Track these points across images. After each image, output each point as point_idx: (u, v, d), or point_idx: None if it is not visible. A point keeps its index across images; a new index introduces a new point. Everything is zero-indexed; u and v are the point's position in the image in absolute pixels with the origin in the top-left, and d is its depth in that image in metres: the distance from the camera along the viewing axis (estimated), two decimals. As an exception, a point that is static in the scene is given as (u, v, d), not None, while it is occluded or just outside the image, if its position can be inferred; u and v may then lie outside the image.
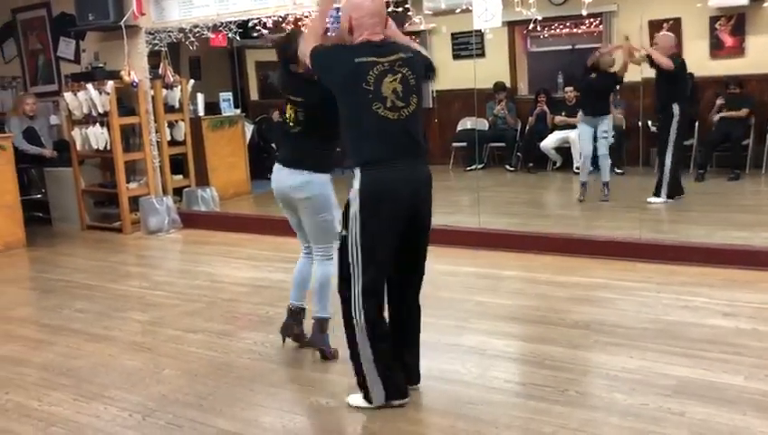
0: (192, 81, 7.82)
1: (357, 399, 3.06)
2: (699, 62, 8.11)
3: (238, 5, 6.54)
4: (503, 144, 9.35)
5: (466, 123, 9.43)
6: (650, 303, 4.20)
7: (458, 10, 6.19)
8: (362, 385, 3.01)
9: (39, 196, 7.78)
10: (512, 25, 9.16)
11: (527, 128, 9.28)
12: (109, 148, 6.95)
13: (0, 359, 3.91)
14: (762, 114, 7.91)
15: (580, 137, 7.26)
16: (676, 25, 8.23)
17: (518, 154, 9.27)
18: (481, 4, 5.43)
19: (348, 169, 2.96)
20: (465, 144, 9.14)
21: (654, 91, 6.73)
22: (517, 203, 7.71)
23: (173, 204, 7.23)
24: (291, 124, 3.42)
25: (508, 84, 9.53)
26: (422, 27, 7.39)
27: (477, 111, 8.00)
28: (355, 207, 2.85)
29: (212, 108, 8.52)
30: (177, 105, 7.54)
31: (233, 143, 8.48)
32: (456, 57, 9.75)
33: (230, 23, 7.05)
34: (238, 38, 7.80)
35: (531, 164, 9.04)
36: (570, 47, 9.48)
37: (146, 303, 4.83)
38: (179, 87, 7.53)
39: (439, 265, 5.08)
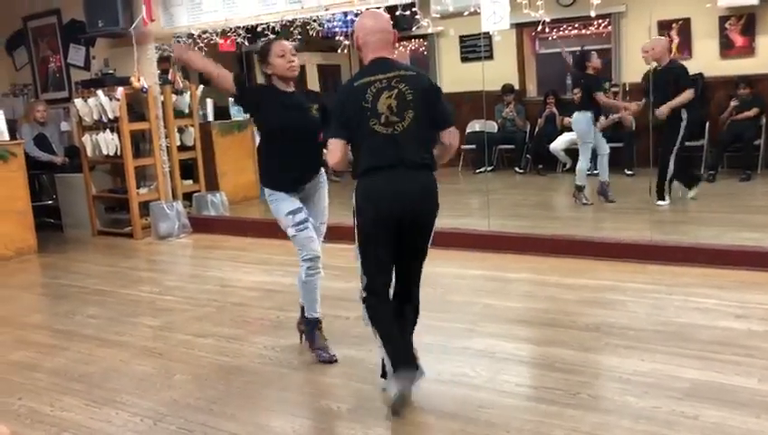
0: (201, 86, 7.84)
1: (383, 382, 3.14)
2: (709, 62, 8.08)
3: (246, 11, 6.56)
4: (512, 146, 9.35)
5: (475, 126, 9.41)
6: (661, 305, 4.17)
7: (466, 13, 6.19)
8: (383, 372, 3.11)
9: (50, 202, 7.84)
10: (520, 27, 9.16)
11: (536, 130, 9.27)
12: (119, 153, 6.99)
13: (13, 364, 3.94)
14: (773, 114, 7.87)
15: (594, 136, 7.18)
16: (685, 25, 8.21)
17: (527, 156, 9.26)
18: (489, 7, 5.42)
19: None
20: (474, 147, 9.12)
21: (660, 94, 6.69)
22: (526, 205, 7.70)
23: (183, 209, 7.26)
24: None
25: (517, 86, 9.52)
26: (430, 30, 7.39)
27: (486, 114, 7.99)
28: (353, 213, 3.07)
29: (221, 113, 8.54)
30: (186, 110, 7.58)
31: (242, 148, 8.50)
32: (464, 60, 9.76)
33: (238, 28, 7.08)
34: (246, 43, 7.84)
35: (540, 166, 9.03)
36: (578, 48, 9.45)
37: (157, 308, 4.85)
38: (189, 92, 7.57)
39: (448, 269, 5.08)
